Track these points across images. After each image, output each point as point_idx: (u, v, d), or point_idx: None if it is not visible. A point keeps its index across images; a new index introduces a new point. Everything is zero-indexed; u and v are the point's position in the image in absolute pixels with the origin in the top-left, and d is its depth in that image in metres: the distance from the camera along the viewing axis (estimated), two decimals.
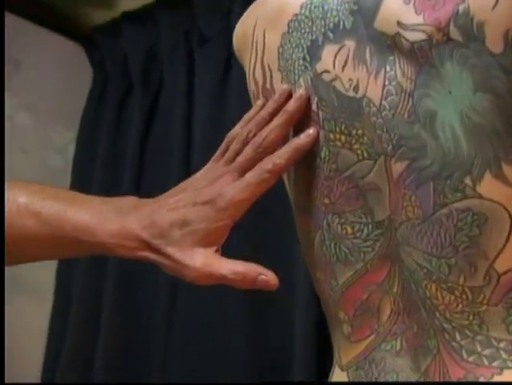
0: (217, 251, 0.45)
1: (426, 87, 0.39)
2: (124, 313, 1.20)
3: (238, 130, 0.48)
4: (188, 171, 1.20)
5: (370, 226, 0.44)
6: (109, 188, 1.31)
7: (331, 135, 0.44)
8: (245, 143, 0.47)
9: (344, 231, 0.45)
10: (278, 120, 0.46)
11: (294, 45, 0.46)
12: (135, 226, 0.45)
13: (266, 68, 0.48)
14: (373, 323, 0.43)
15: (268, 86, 0.48)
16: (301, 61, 0.45)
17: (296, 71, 0.46)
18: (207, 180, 0.47)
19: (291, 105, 0.45)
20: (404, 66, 0.40)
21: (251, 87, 0.51)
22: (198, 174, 0.48)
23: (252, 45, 0.50)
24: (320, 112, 0.45)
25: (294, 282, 0.98)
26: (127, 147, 1.34)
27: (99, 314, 1.21)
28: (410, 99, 0.40)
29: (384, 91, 0.41)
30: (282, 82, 0.47)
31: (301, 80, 0.45)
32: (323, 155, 0.45)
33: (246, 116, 0.49)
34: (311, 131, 0.45)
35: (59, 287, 1.33)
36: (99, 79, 1.43)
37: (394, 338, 0.42)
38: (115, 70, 1.41)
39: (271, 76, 0.48)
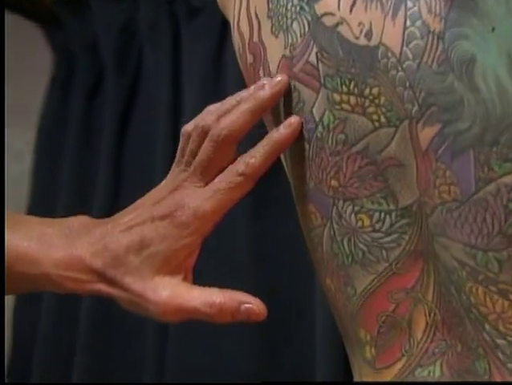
0: (186, 277, 0.45)
1: (460, 25, 0.38)
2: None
3: (194, 122, 0.48)
4: None
5: (393, 214, 0.42)
6: (79, 200, 1.30)
7: (336, 97, 0.43)
8: (203, 137, 0.46)
9: (360, 222, 0.43)
10: (244, 105, 0.45)
11: None
12: (84, 253, 0.45)
13: (253, 16, 0.48)
14: (403, 342, 0.42)
15: (255, 39, 0.48)
16: (295, 0, 0.45)
17: (289, 14, 0.45)
18: (167, 189, 0.47)
19: (265, 92, 0.45)
20: (430, 0, 0.39)
21: (236, 42, 0.50)
22: (162, 183, 0.49)
23: None
24: (321, 66, 0.43)
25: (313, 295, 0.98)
26: (100, 149, 1.34)
27: None
28: (440, 43, 0.38)
29: (406, 34, 0.40)
30: (272, 32, 0.46)
31: (295, 25, 0.45)
32: (325, 122, 0.43)
33: (210, 107, 0.48)
34: (293, 119, 0.44)
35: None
36: (63, 66, 1.44)
37: (432, 362, 0.41)
38: (82, 54, 1.41)
39: (259, 26, 0.47)
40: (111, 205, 1.26)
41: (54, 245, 0.46)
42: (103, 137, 1.33)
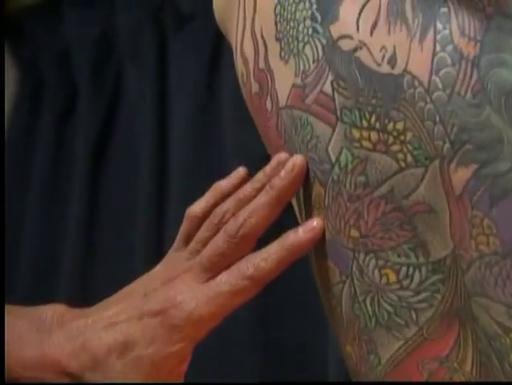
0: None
1: (499, 50, 0.39)
2: None
3: (205, 204, 0.50)
4: (161, 216, 1.19)
5: (424, 269, 0.43)
6: (48, 247, 1.30)
7: (355, 132, 0.44)
8: (218, 228, 0.48)
9: (385, 278, 0.44)
10: (262, 198, 0.47)
11: None
12: (59, 353, 0.46)
13: (259, 38, 0.48)
14: None
15: (262, 64, 0.48)
16: (308, 21, 0.46)
17: (300, 37, 0.46)
18: (162, 278, 0.48)
19: (282, 177, 0.47)
20: (463, 20, 0.40)
21: (239, 68, 0.51)
22: (155, 268, 0.50)
23: (238, 8, 0.51)
24: (337, 97, 0.44)
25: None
26: (73, 181, 1.34)
27: None
28: (475, 71, 0.39)
29: (435, 60, 0.41)
30: (281, 57, 0.47)
31: (307, 50, 0.45)
32: (343, 162, 0.44)
33: (222, 184, 0.51)
34: (316, 222, 0.46)
35: None
36: (29, 83, 1.44)
37: None
38: (52, 70, 1.42)
39: (266, 50, 0.48)
40: (86, 245, 1.26)
41: (23, 342, 0.46)
42: (76, 167, 1.34)
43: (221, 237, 0.48)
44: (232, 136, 1.16)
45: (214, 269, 0.47)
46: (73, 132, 1.38)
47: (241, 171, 0.52)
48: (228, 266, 0.47)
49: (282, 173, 0.47)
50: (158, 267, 0.49)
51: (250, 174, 0.51)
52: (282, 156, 0.47)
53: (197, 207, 0.50)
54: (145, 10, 1.34)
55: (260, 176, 0.49)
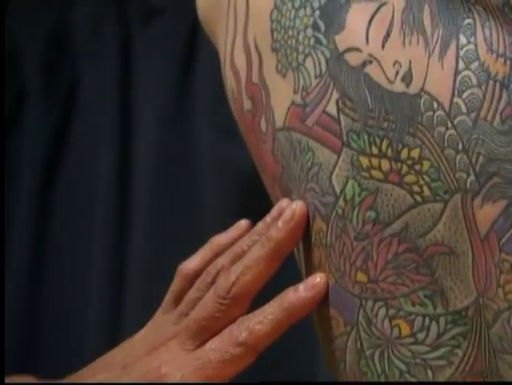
0: None
1: None
2: None
3: (199, 261, 0.52)
4: (122, 245, 1.19)
5: (442, 320, 0.43)
6: None
7: (364, 160, 0.44)
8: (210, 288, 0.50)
9: (397, 331, 0.44)
10: (257, 252, 0.49)
11: (297, 3, 0.47)
12: None
13: (252, 48, 0.49)
14: None
15: (255, 79, 0.49)
16: (309, 30, 0.46)
17: (301, 48, 0.46)
18: (145, 345, 0.50)
19: (280, 227, 0.48)
20: (491, 33, 0.41)
21: (229, 82, 0.52)
22: (139, 333, 0.51)
23: (228, 10, 0.52)
24: (343, 119, 0.45)
25: None
26: (19, 201, 1.34)
27: None
28: (504, 93, 0.40)
29: (458, 80, 0.42)
30: (277, 70, 0.48)
31: (308, 63, 0.46)
32: (349, 194, 0.45)
33: (220, 239, 0.53)
34: (318, 278, 0.47)
35: None
36: None
37: None
38: None
39: (260, 61, 0.49)
40: (31, 295, 1.26)
41: None
42: (22, 186, 1.33)
43: (210, 297, 0.48)
44: (209, 151, 1.17)
45: (203, 334, 0.48)
46: (19, 143, 1.38)
47: (242, 223, 0.53)
48: (219, 331, 0.48)
49: (280, 223, 0.48)
50: (142, 332, 0.51)
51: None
52: (284, 203, 0.48)
53: (190, 263, 0.52)
54: (107, 2, 1.35)
55: (259, 226, 0.50)
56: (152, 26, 1.30)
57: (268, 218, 0.49)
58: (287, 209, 0.47)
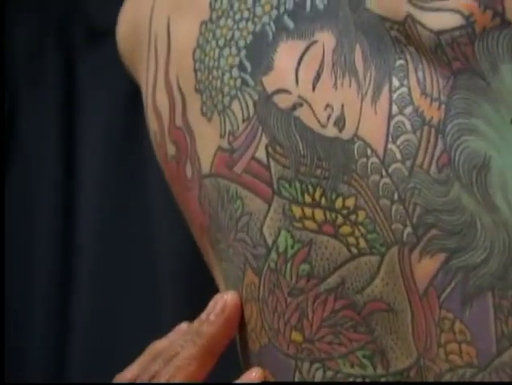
0: None
1: (467, 115, 0.40)
2: None
3: (136, 370, 0.52)
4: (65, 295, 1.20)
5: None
6: None
7: (296, 210, 0.44)
8: None
9: None
10: (188, 350, 0.49)
11: (221, 42, 0.47)
12: None
13: (175, 88, 0.49)
14: None
15: (179, 122, 0.49)
16: (235, 71, 0.46)
17: (226, 90, 0.47)
18: None
19: (211, 321, 0.48)
20: (424, 76, 0.41)
21: (151, 125, 0.52)
22: None
23: (149, 47, 0.52)
24: (273, 165, 0.45)
25: None
26: None
27: None
28: (440, 139, 0.40)
29: (391, 124, 0.42)
30: (202, 112, 0.48)
31: (235, 106, 0.46)
32: (281, 246, 0.45)
33: (158, 345, 0.52)
34: (254, 374, 0.47)
35: None
36: None
37: None
38: None
39: (184, 103, 0.49)
40: None
41: None
42: None
43: None
44: (159, 185, 1.16)
45: None
46: None
47: (182, 326, 0.52)
48: None
49: (212, 316, 0.48)
50: None
51: None
52: (219, 297, 0.48)
53: (128, 373, 0.52)
54: (48, 20, 1.34)
55: (195, 325, 0.49)
56: (97, 49, 1.30)
57: (203, 315, 0.49)
58: (218, 301, 0.48)
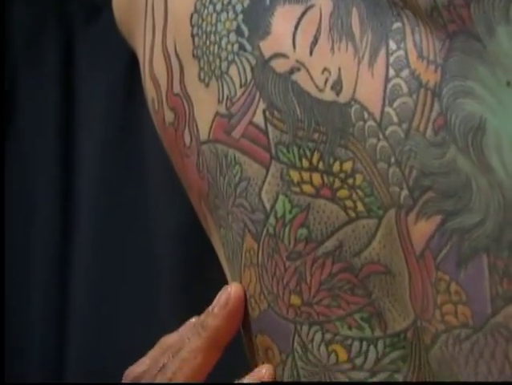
0: None
1: (463, 78, 0.40)
2: None
3: (147, 365, 0.53)
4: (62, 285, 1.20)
5: (381, 344, 0.44)
6: None
7: (294, 175, 0.45)
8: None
9: (334, 357, 0.45)
10: (193, 343, 0.50)
11: (219, 7, 0.48)
12: None
13: (172, 55, 0.50)
14: None
15: (177, 89, 0.50)
16: (233, 36, 0.47)
17: (224, 55, 0.47)
18: None
19: (216, 314, 0.49)
20: (420, 38, 0.42)
21: (149, 92, 0.53)
22: None
23: (146, 14, 0.52)
24: (271, 130, 0.46)
25: None
26: None
27: None
28: (436, 102, 0.41)
29: (388, 88, 0.42)
30: (200, 78, 0.48)
31: (232, 71, 0.47)
32: (279, 211, 0.46)
33: (169, 339, 0.53)
34: (264, 370, 0.48)
35: None
36: None
37: None
38: None
39: (181, 70, 0.49)
40: None
41: None
42: None
43: None
44: (160, 167, 1.17)
45: None
46: None
47: (192, 320, 0.53)
48: None
49: (216, 309, 0.49)
50: None
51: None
52: (223, 290, 0.49)
53: (138, 367, 0.53)
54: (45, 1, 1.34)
55: (202, 317, 0.50)
56: (95, 26, 1.30)
57: (210, 307, 0.50)
58: (222, 293, 0.49)
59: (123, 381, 0.54)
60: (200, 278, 1.09)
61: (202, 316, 0.50)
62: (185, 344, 0.50)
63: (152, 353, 0.54)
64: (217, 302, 0.49)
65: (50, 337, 1.21)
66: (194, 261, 1.10)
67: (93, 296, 1.16)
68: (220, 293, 0.49)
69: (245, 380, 0.49)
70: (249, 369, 0.51)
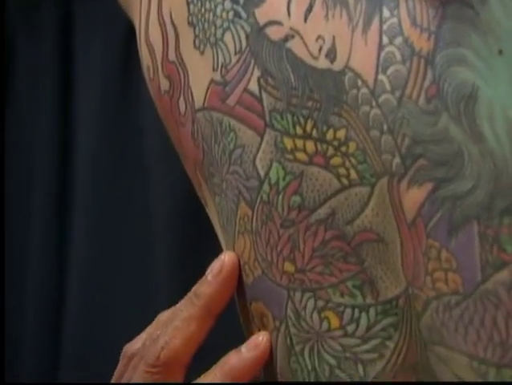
0: None
1: (456, 45, 0.41)
2: None
3: (144, 340, 0.53)
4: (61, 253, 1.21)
5: (372, 311, 0.45)
6: None
7: (288, 142, 0.46)
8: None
9: (326, 323, 0.46)
10: (186, 311, 0.51)
11: None
12: None
13: (168, 22, 0.50)
14: None
15: (172, 56, 0.50)
16: (228, 3, 0.48)
17: (219, 22, 0.48)
18: None
19: (209, 281, 0.50)
20: (414, 6, 0.42)
21: (144, 60, 0.53)
22: None
23: None
24: (265, 97, 0.47)
25: None
26: None
27: None
28: (429, 69, 0.42)
29: (382, 55, 0.43)
30: (195, 46, 0.49)
31: (227, 38, 0.48)
32: (273, 178, 0.47)
33: (166, 315, 0.53)
34: (261, 337, 0.48)
35: None
36: None
37: None
38: None
39: (177, 37, 0.50)
40: None
41: None
42: None
43: (140, 370, 0.50)
44: (157, 138, 1.17)
45: None
46: None
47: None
48: None
49: (210, 276, 0.50)
50: None
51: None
52: (217, 258, 0.50)
53: (136, 344, 0.53)
54: None
55: (194, 288, 0.51)
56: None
57: (204, 276, 0.51)
58: (216, 261, 0.50)
59: (121, 357, 0.55)
60: (198, 268, 1.09)
61: (196, 286, 0.51)
62: (179, 314, 0.51)
63: (149, 329, 0.54)
64: (211, 270, 0.50)
65: (46, 326, 1.22)
66: (191, 249, 1.10)
67: (89, 283, 1.16)
68: (214, 262, 0.50)
69: (243, 348, 0.49)
70: (243, 336, 0.52)
